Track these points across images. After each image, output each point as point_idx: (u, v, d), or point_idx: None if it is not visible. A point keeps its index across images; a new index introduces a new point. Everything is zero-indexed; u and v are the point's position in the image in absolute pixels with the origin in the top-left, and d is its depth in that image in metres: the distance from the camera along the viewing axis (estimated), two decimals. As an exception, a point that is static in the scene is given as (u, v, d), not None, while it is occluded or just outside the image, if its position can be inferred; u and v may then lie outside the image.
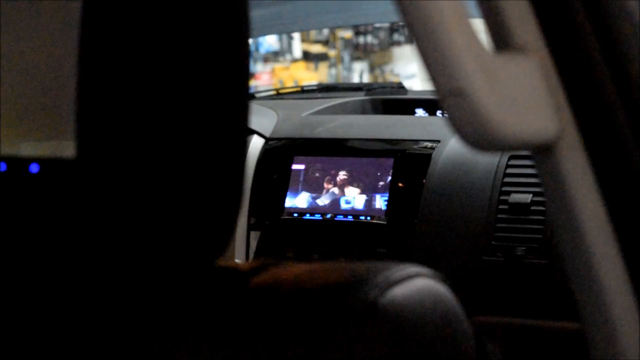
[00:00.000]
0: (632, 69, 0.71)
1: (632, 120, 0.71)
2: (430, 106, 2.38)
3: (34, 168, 0.69)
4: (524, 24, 0.70)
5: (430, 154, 1.91)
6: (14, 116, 0.74)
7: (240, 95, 0.72)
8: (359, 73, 7.46)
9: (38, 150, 0.72)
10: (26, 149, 0.73)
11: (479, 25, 0.70)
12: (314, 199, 1.95)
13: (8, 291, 0.77)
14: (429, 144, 1.94)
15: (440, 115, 2.32)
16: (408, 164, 1.91)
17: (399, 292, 0.67)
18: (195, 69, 0.69)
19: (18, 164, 0.70)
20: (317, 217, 1.94)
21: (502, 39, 0.70)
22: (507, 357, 1.78)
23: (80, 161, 0.67)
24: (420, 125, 2.10)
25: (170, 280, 0.73)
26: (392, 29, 7.20)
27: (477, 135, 0.66)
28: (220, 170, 0.71)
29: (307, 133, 2.07)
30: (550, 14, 0.71)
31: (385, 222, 1.89)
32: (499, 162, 1.84)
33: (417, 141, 1.95)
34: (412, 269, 0.70)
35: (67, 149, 0.68)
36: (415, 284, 0.69)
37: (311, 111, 2.22)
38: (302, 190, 1.98)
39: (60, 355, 0.74)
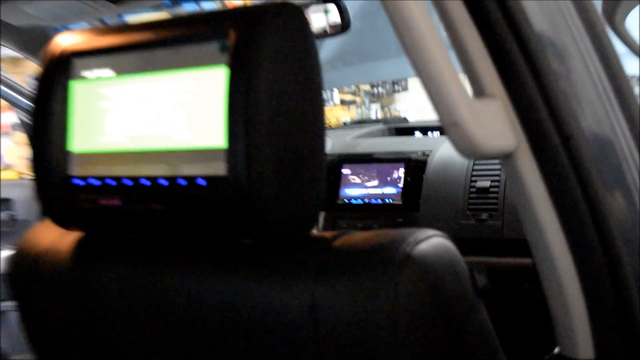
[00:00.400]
0: (559, 105, 0.72)
1: (561, 135, 0.71)
2: (424, 130, 2.39)
3: (202, 182, 0.71)
4: (491, 80, 0.71)
5: (426, 159, 1.92)
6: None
7: (322, 132, 0.74)
8: (375, 111, 7.43)
9: (195, 171, 0.72)
10: (186, 170, 0.72)
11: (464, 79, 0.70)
12: (356, 190, 1.97)
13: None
14: (425, 153, 1.94)
15: (431, 135, 2.34)
16: (413, 166, 1.92)
17: (424, 246, 0.68)
18: (302, 116, 0.70)
19: (191, 179, 0.71)
20: (359, 201, 1.95)
21: (478, 89, 0.71)
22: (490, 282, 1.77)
23: (230, 177, 0.69)
24: (419, 142, 2.11)
25: (288, 243, 0.74)
26: (394, 83, 7.23)
27: (467, 149, 0.67)
28: (313, 178, 0.72)
29: (350, 150, 2.08)
30: (507, 74, 0.71)
31: (400, 203, 1.90)
32: (468, 163, 1.86)
33: (417, 152, 1.96)
34: (430, 232, 0.71)
35: (219, 169, 0.69)
36: (433, 241, 0.70)
37: (351, 137, 2.23)
38: (349, 185, 1.99)
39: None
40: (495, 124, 0.69)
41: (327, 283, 0.67)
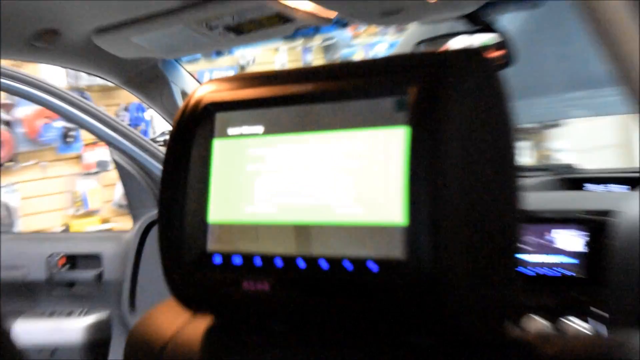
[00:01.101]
0: None
1: None
2: (594, 181, 2.32)
3: (373, 266, 0.70)
4: None
5: (612, 221, 1.83)
6: None
7: (517, 198, 0.72)
8: (525, 150, 7.41)
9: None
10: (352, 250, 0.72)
11: None
12: (525, 258, 1.88)
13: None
14: (609, 214, 1.84)
15: (611, 188, 2.26)
16: (597, 229, 1.81)
17: None
18: (496, 182, 0.70)
19: (360, 262, 0.71)
20: (530, 272, 1.86)
21: None
22: None
23: (410, 261, 0.68)
24: (599, 198, 2.03)
25: (481, 344, 0.72)
26: (547, 117, 7.20)
27: None
28: (510, 258, 0.72)
29: None
30: None
31: (583, 276, 1.80)
32: None
33: (599, 211, 1.87)
34: None
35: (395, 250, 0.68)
36: None
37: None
38: (520, 251, 1.92)
39: None
40: None
41: None
